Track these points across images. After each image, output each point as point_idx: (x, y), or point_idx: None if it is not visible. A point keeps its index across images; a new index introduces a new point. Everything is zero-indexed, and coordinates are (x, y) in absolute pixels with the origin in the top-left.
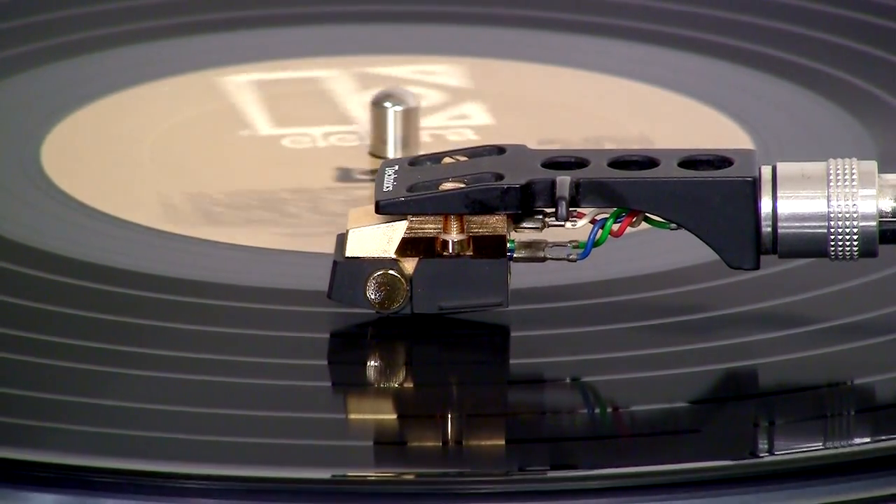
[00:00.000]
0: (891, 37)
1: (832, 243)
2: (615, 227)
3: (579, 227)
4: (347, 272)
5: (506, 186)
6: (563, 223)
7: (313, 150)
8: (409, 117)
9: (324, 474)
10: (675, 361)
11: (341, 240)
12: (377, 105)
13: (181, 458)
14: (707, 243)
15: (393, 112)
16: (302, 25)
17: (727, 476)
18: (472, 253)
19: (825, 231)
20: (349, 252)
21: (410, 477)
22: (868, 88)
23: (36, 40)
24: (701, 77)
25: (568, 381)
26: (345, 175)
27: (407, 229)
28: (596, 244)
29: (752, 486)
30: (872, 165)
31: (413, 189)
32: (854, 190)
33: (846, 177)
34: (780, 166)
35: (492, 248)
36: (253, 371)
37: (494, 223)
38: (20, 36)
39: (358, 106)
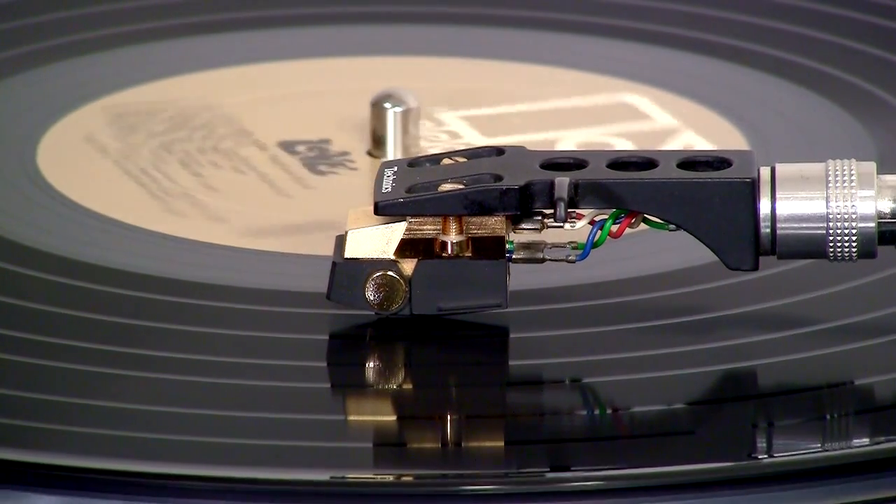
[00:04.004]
0: (891, 37)
1: (831, 244)
2: (614, 228)
3: (578, 229)
4: (346, 273)
5: (504, 188)
6: (561, 224)
7: (313, 150)
8: (409, 118)
9: (323, 476)
10: (674, 362)
11: (340, 241)
12: (377, 105)
13: (181, 458)
14: (706, 244)
15: (393, 112)
16: (302, 26)
17: (726, 477)
18: (471, 254)
19: (824, 232)
20: (348, 253)
21: (409, 478)
22: (868, 88)
23: (35, 40)
24: (701, 77)
25: (567, 382)
26: (344, 175)
27: (406, 230)
28: (595, 245)
29: (751, 487)
30: (871, 166)
31: (412, 190)
32: (853, 191)
33: (845, 178)
34: (779, 167)
35: (491, 249)
36: (252, 372)
37: (493, 224)
38: (19, 36)
39: (358, 106)
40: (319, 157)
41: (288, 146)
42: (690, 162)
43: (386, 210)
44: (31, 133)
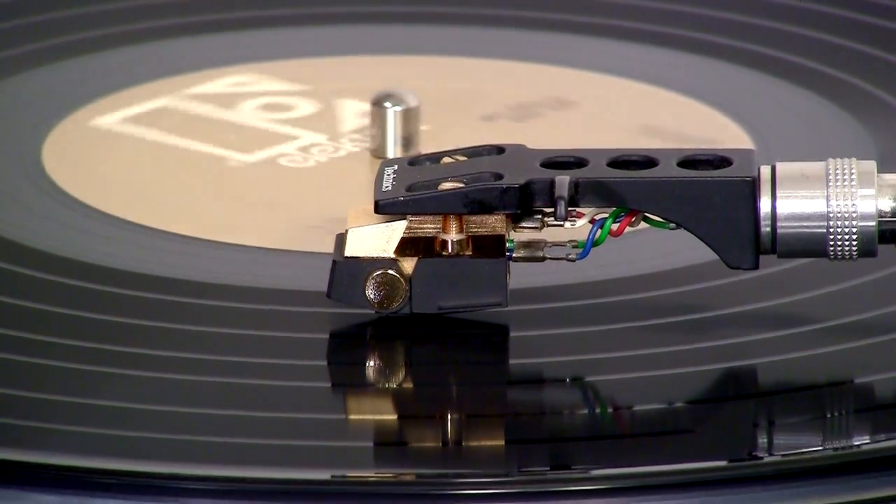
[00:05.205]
0: (891, 37)
1: (831, 243)
2: (614, 226)
3: (578, 227)
4: (347, 272)
5: (505, 186)
6: (562, 223)
7: (313, 149)
8: (409, 117)
9: (323, 475)
10: (675, 361)
11: (340, 239)
12: (377, 105)
13: (181, 458)
14: (706, 243)
15: (393, 112)
16: (302, 25)
17: (726, 476)
18: (471, 252)
19: (824, 231)
20: (348, 252)
21: (410, 477)
22: (868, 88)
23: (36, 40)
24: (701, 77)
25: (567, 381)
26: (344, 175)
27: (406, 229)
28: (595, 244)
29: (752, 486)
30: (871, 165)
31: (412, 189)
32: (853, 190)
33: (845, 176)
34: (780, 166)
35: (491, 247)
36: (252, 371)
37: (493, 223)
38: (20, 36)
39: (358, 106)
40: (319, 156)
41: (287, 145)
42: (691, 160)
43: (386, 208)
44: (36, 132)
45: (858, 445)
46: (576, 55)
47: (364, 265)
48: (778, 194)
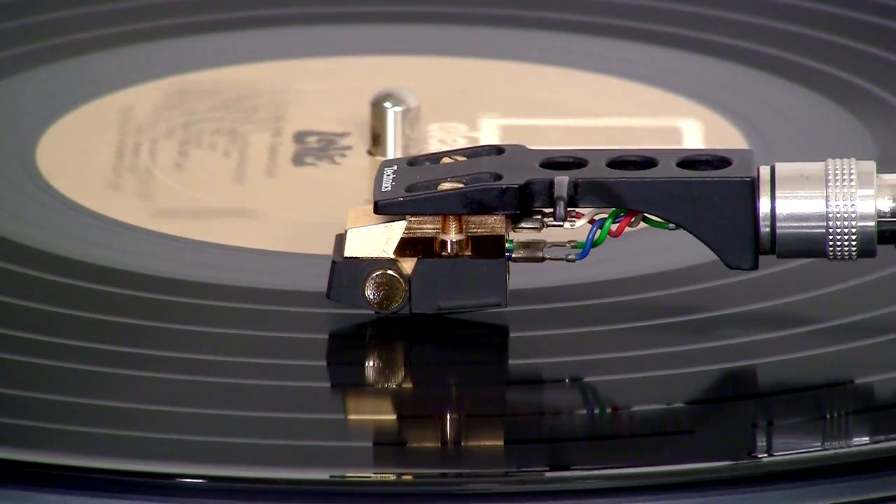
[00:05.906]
0: (891, 37)
1: (831, 243)
2: (614, 227)
3: (578, 228)
4: (346, 272)
5: (504, 186)
6: (561, 223)
7: (313, 150)
8: (409, 117)
9: (323, 475)
10: (674, 361)
11: (340, 240)
12: (377, 105)
13: (181, 458)
14: (705, 243)
15: (393, 112)
16: (302, 25)
17: (725, 476)
18: (470, 253)
19: (823, 231)
20: (348, 252)
21: (409, 477)
22: (868, 88)
23: (36, 40)
24: (701, 77)
25: (567, 381)
26: (343, 175)
27: (406, 229)
28: (594, 244)
29: (751, 486)
30: (871, 165)
31: (412, 189)
32: (853, 190)
33: (845, 177)
34: (779, 166)
35: (490, 248)
36: (252, 372)
37: (493, 223)
38: (20, 36)
39: (358, 106)
40: (319, 157)
41: (287, 146)
42: (690, 161)
43: (386, 209)
44: (31, 132)
45: (858, 446)
46: (576, 55)
47: (363, 265)
48: (777, 195)
